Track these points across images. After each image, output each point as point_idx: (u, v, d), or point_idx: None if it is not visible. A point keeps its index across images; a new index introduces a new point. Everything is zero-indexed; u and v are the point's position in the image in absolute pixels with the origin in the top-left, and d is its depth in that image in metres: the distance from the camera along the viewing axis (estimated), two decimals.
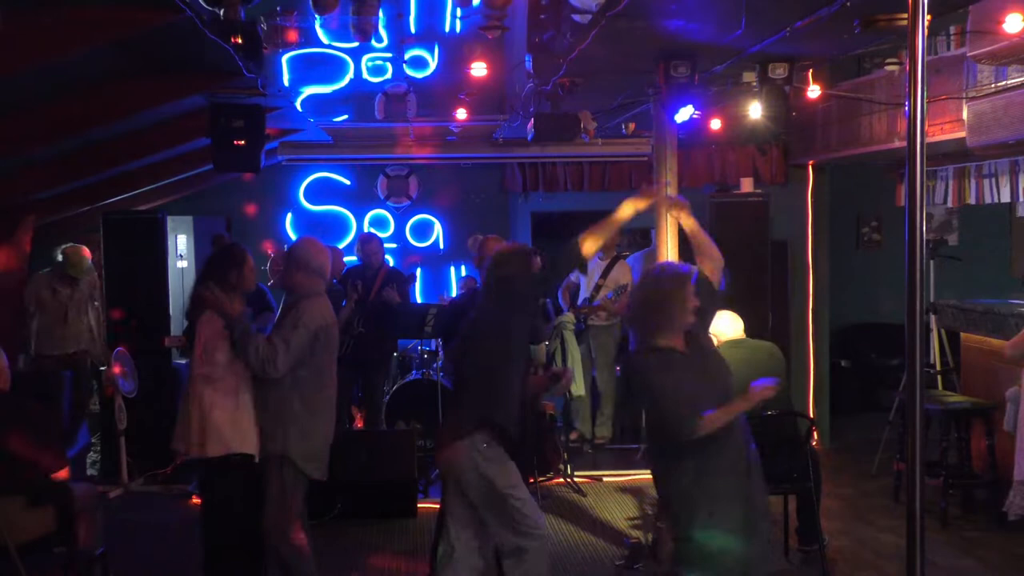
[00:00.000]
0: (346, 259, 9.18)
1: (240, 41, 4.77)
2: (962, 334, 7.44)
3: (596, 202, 10.26)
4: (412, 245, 10.23)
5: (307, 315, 4.60)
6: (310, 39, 7.16)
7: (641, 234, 10.15)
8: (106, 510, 6.44)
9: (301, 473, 4.62)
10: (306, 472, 4.64)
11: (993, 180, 7.49)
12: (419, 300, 9.50)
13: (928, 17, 2.39)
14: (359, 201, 10.15)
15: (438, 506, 5.51)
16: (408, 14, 7.74)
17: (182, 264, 10.14)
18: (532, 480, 6.97)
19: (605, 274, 8.71)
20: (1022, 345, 5.85)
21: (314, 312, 4.63)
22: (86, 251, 8.28)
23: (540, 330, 5.57)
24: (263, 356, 4.48)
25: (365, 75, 7.72)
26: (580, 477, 7.54)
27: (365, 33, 6.75)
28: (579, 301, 8.75)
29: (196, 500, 7.18)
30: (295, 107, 7.46)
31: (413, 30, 7.73)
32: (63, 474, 4.83)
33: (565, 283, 9.04)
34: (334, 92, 7.66)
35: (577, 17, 5.00)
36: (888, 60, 6.69)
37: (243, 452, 4.66)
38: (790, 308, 9.18)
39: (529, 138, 7.29)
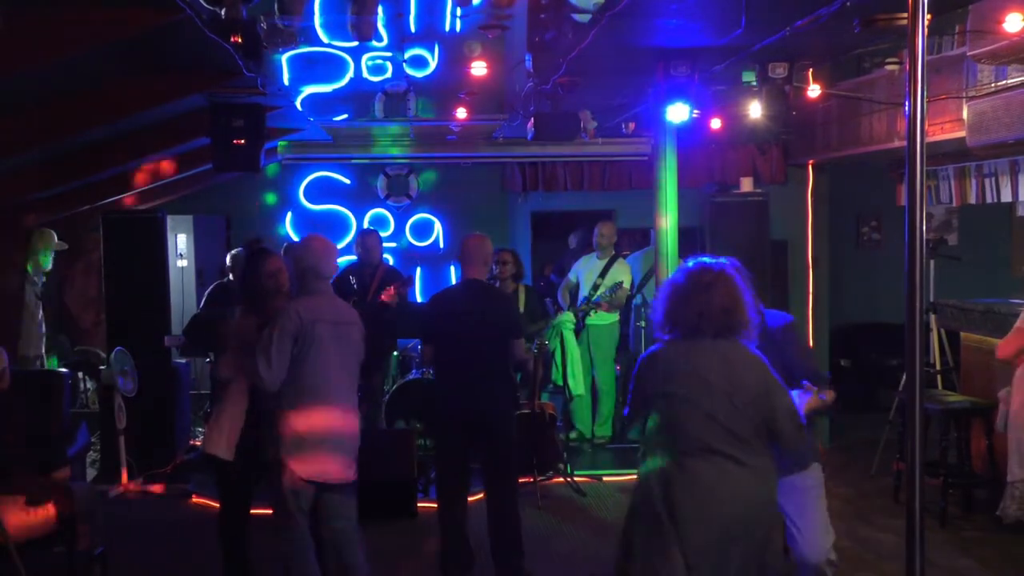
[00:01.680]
0: (345, 258, 9.18)
1: (240, 40, 4.77)
2: (962, 334, 7.44)
3: (596, 202, 10.28)
4: (412, 244, 10.23)
5: (283, 319, 4.56)
6: (310, 38, 7.15)
7: (641, 234, 10.16)
8: (106, 510, 6.46)
9: (300, 477, 4.60)
10: (307, 476, 4.60)
11: (993, 180, 7.50)
12: (418, 299, 9.50)
13: (928, 17, 2.38)
14: (359, 200, 10.16)
15: (436, 506, 5.54)
16: (408, 13, 7.72)
17: (182, 263, 10.16)
18: (532, 480, 6.98)
19: (603, 273, 8.71)
20: (1013, 345, 5.86)
21: (289, 315, 4.56)
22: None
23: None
24: (253, 372, 4.56)
25: (365, 74, 7.71)
26: (580, 477, 7.54)
27: (364, 33, 6.73)
28: (579, 300, 8.75)
29: (196, 500, 7.22)
30: (295, 106, 7.46)
31: (413, 29, 7.70)
32: (63, 474, 4.85)
33: (564, 283, 9.05)
34: (334, 91, 7.64)
35: (576, 16, 5.00)
36: (888, 59, 6.69)
37: (214, 454, 4.85)
38: (790, 307, 9.18)
39: (529, 137, 7.28)
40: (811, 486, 4.26)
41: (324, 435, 4.63)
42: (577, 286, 8.92)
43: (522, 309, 7.46)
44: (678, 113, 5.76)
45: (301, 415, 4.58)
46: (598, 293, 8.60)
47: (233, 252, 8.23)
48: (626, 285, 8.62)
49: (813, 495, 4.25)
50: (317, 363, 4.59)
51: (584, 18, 4.94)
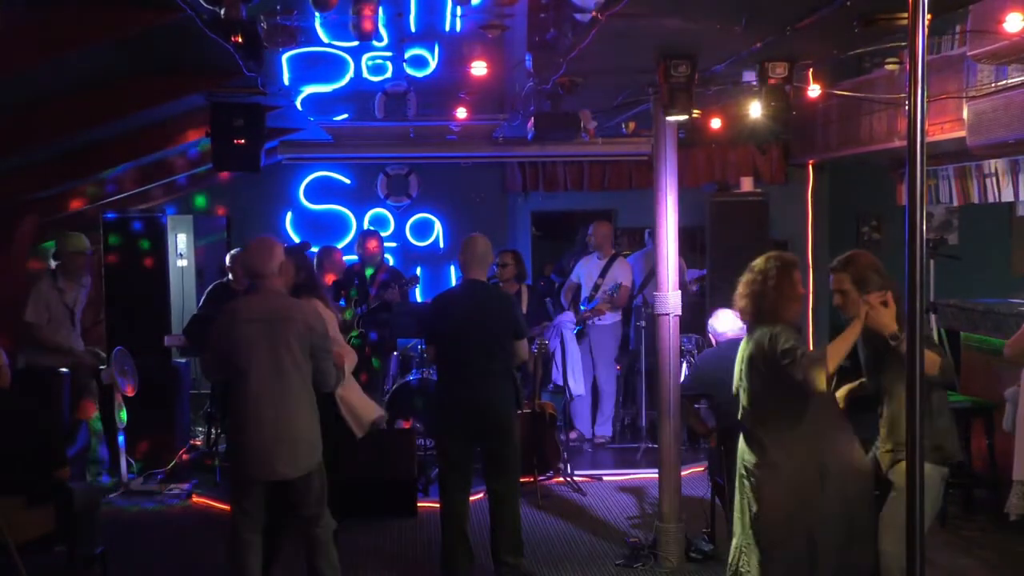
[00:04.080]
0: (345, 258, 9.19)
1: (240, 40, 4.77)
2: (962, 333, 7.43)
3: (596, 201, 10.28)
4: (412, 244, 10.23)
5: (215, 320, 4.71)
6: (310, 38, 7.15)
7: (639, 234, 10.16)
8: (106, 510, 6.46)
9: (236, 469, 4.65)
10: (244, 471, 4.60)
11: (993, 179, 7.49)
12: (419, 299, 9.50)
13: (928, 16, 2.38)
14: (359, 200, 10.15)
15: (438, 505, 5.55)
16: (408, 13, 7.72)
17: (182, 263, 10.15)
18: (532, 479, 6.98)
19: (604, 273, 8.71)
20: (1021, 344, 5.83)
21: (219, 317, 4.72)
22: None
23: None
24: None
25: (365, 74, 7.71)
26: (580, 476, 7.54)
27: (366, 33, 6.73)
28: (581, 299, 8.75)
29: (196, 500, 7.21)
30: (295, 106, 7.46)
31: (413, 29, 7.70)
32: (63, 474, 4.85)
33: (567, 284, 9.05)
34: (334, 91, 7.64)
35: (579, 16, 4.99)
36: (888, 59, 6.69)
37: None
38: None
39: (529, 137, 7.28)
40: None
41: (256, 432, 4.54)
42: (579, 287, 8.93)
43: (525, 310, 7.46)
44: (679, 113, 5.74)
45: (236, 411, 4.61)
46: (597, 294, 8.60)
47: (233, 252, 8.23)
48: (626, 284, 8.62)
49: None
50: (243, 361, 4.55)
51: (585, 17, 4.93)
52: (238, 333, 4.57)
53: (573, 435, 8.66)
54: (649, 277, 8.68)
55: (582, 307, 8.67)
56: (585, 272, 8.86)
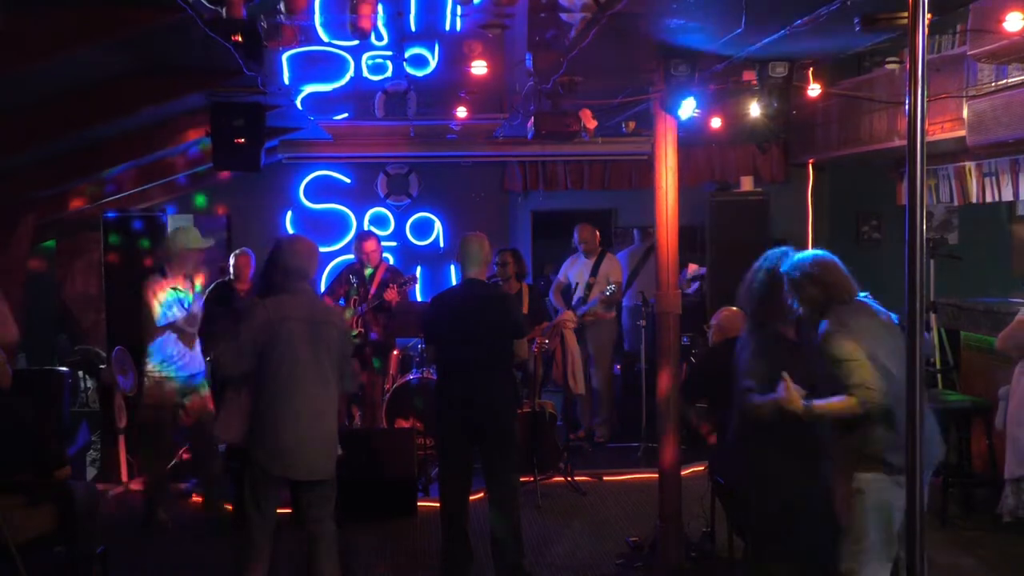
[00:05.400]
0: (344, 257, 9.20)
1: (240, 39, 4.77)
2: (962, 333, 7.43)
3: (596, 201, 10.29)
4: (412, 244, 10.23)
5: (251, 314, 4.59)
6: (310, 37, 7.15)
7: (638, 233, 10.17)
8: (106, 510, 6.45)
9: (264, 470, 4.60)
10: (270, 470, 4.59)
11: (993, 179, 7.50)
12: (419, 299, 9.51)
13: (928, 16, 2.38)
14: (359, 199, 10.16)
15: (438, 505, 5.55)
16: (408, 12, 7.72)
17: None
18: (532, 479, 6.98)
19: (595, 271, 8.70)
20: (1014, 336, 5.85)
21: (257, 312, 4.58)
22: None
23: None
24: (216, 357, 4.56)
25: (365, 73, 7.71)
26: (580, 476, 7.54)
27: (363, 31, 6.73)
28: (573, 300, 8.74)
29: (196, 499, 7.21)
30: (295, 105, 7.46)
31: (413, 28, 7.71)
32: (63, 474, 4.84)
33: (555, 283, 9.03)
34: (334, 90, 7.65)
35: (565, 16, 5.00)
36: (888, 59, 6.70)
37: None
38: None
39: (529, 136, 7.28)
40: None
41: (291, 431, 4.56)
42: (569, 286, 8.91)
43: (526, 309, 7.45)
44: (680, 112, 5.75)
45: (274, 411, 4.56)
46: (594, 292, 8.58)
47: (236, 252, 8.23)
48: (618, 279, 8.61)
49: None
50: (286, 359, 4.54)
51: (571, 18, 4.94)
52: (285, 331, 4.54)
53: (581, 433, 8.67)
54: (633, 275, 8.70)
55: (577, 308, 8.65)
56: (575, 272, 8.84)
